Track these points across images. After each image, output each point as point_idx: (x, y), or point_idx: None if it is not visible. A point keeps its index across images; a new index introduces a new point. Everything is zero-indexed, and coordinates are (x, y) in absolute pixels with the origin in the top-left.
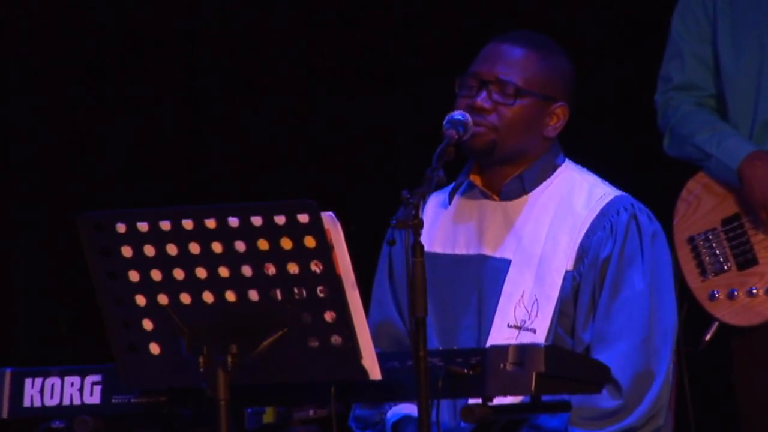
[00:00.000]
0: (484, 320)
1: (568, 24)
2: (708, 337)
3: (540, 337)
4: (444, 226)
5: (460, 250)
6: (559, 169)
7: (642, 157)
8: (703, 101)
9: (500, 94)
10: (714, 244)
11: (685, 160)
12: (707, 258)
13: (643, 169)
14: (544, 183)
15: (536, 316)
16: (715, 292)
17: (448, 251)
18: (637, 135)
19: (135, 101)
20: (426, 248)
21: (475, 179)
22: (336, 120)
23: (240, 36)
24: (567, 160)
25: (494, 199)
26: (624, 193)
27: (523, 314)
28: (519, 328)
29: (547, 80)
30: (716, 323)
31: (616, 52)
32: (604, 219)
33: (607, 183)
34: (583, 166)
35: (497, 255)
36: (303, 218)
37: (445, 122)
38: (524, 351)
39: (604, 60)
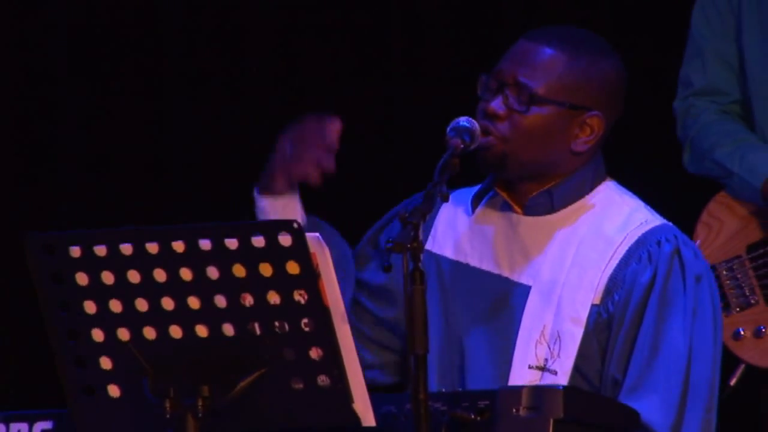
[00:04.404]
0: (501, 356)
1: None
2: (733, 382)
3: (561, 381)
4: (460, 231)
5: (474, 263)
6: (597, 188)
7: (658, 172)
8: (727, 108)
9: (516, 100)
10: (738, 275)
11: (706, 177)
12: (731, 290)
13: (658, 186)
14: (578, 202)
15: (558, 355)
16: (740, 330)
17: (461, 259)
18: (650, 146)
19: (95, 102)
20: (434, 250)
21: (500, 188)
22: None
23: (215, 28)
24: (610, 180)
25: (517, 212)
26: (670, 223)
27: (545, 352)
28: (543, 369)
29: (577, 86)
30: (742, 366)
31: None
32: (641, 249)
33: (653, 211)
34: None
35: (515, 278)
36: (285, 240)
37: (449, 129)
38: (540, 393)
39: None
